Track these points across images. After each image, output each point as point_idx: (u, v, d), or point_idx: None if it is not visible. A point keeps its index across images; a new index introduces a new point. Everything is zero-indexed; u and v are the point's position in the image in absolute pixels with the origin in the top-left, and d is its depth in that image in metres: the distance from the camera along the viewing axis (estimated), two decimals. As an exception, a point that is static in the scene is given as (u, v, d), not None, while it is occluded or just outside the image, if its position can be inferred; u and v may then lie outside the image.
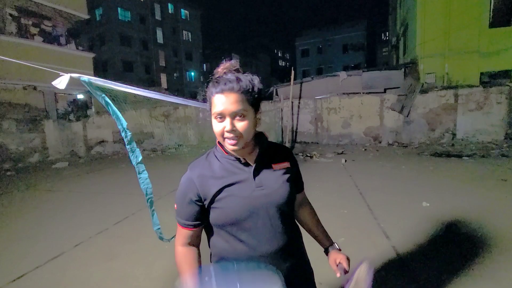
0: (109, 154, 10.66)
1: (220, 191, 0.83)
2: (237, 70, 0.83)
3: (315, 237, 1.06)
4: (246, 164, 0.87)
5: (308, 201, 1.10)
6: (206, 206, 0.85)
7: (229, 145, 0.80)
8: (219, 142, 0.89)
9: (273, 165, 0.90)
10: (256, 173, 0.87)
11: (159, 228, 1.37)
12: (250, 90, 0.79)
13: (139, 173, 1.20)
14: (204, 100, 0.86)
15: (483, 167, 5.62)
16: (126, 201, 4.38)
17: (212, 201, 0.84)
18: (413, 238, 2.73)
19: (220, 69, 0.83)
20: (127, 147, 1.19)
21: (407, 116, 9.44)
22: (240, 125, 0.78)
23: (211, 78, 0.83)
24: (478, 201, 3.67)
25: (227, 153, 0.88)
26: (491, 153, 7.05)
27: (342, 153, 8.34)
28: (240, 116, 0.78)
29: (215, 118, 0.80)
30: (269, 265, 0.82)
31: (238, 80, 0.78)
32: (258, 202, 0.84)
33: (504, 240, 2.60)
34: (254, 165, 0.87)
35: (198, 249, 0.92)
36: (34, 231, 3.41)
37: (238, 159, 0.87)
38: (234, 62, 0.84)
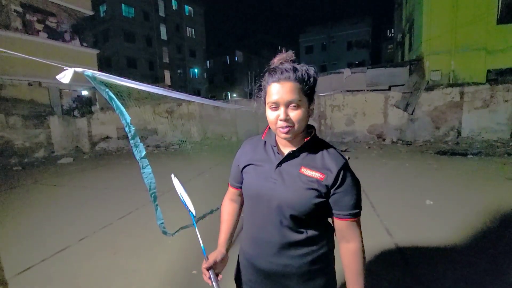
0: (113, 150, 10.74)
1: (247, 165, 0.94)
2: (292, 61, 0.83)
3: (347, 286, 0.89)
4: (280, 153, 0.89)
5: (354, 239, 0.85)
6: (241, 173, 0.98)
7: (281, 133, 0.81)
8: (269, 127, 0.92)
9: (302, 167, 0.84)
10: (280, 165, 0.87)
11: (162, 223, 1.38)
12: (306, 79, 0.80)
13: (142, 168, 1.20)
14: (260, 90, 0.88)
15: (488, 165, 5.56)
16: (130, 197, 4.42)
17: (242, 171, 0.97)
18: (416, 236, 2.72)
19: (276, 60, 0.84)
20: (131, 142, 1.20)
21: (412, 114, 9.36)
22: (294, 114, 0.79)
23: (268, 68, 0.85)
24: (483, 200, 3.64)
25: (264, 137, 0.96)
26: (497, 151, 6.97)
27: (345, 150, 8.31)
28: (295, 106, 0.79)
29: (270, 107, 0.81)
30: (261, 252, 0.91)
31: (295, 69, 0.79)
32: (264, 192, 0.87)
33: (509, 239, 2.58)
34: (283, 157, 0.88)
35: (240, 208, 1.09)
36: (40, 225, 3.47)
37: (274, 147, 0.91)
38: (290, 53, 0.84)
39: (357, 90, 10.68)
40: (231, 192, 1.07)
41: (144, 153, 1.20)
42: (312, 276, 0.89)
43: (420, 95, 9.26)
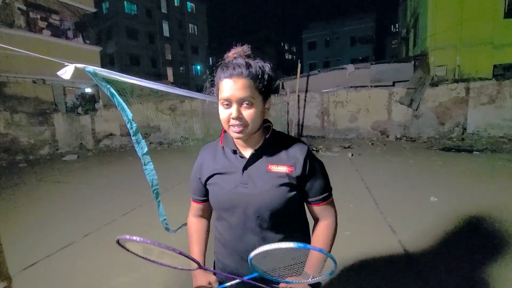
0: (116, 147, 10.81)
1: (211, 176, 0.87)
2: (248, 56, 0.79)
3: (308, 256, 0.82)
4: (242, 157, 0.85)
5: (328, 217, 0.88)
6: (204, 185, 0.91)
7: (233, 132, 0.77)
8: (224, 131, 0.88)
9: (269, 165, 0.81)
10: (246, 168, 0.83)
11: (165, 219, 1.38)
12: (260, 76, 0.76)
13: (144, 164, 1.20)
14: (212, 86, 0.83)
15: (494, 162, 5.49)
16: (133, 193, 4.45)
17: (205, 183, 0.89)
18: (420, 233, 2.70)
19: (231, 54, 0.80)
20: (133, 138, 1.20)
21: (416, 110, 9.26)
22: (247, 113, 0.75)
23: (221, 62, 0.80)
24: (488, 196, 3.60)
25: (222, 143, 0.88)
26: (503, 147, 6.88)
27: (348, 147, 8.26)
28: (248, 103, 0.74)
29: (222, 104, 0.77)
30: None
31: (248, 65, 0.75)
32: (237, 199, 0.82)
33: (514, 236, 2.55)
34: (247, 160, 0.83)
35: (208, 222, 1.01)
36: (45, 221, 3.50)
37: (235, 151, 0.85)
38: (246, 48, 0.80)
39: (361, 86, 10.58)
40: (195, 208, 0.98)
41: (146, 149, 1.20)
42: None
43: (425, 91, 9.15)
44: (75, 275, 2.29)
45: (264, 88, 0.78)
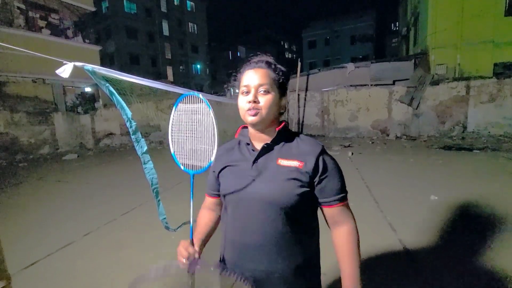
0: (116, 147, 10.80)
1: (223, 168, 0.91)
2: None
3: (340, 271, 0.84)
4: (254, 150, 0.87)
5: (347, 221, 0.84)
6: (217, 178, 0.94)
7: (249, 116, 0.81)
8: (243, 127, 0.94)
9: (279, 159, 0.82)
10: (256, 161, 0.84)
11: (164, 218, 1.37)
12: (278, 71, 0.84)
13: (144, 163, 1.19)
14: (235, 81, 0.91)
15: (494, 160, 5.49)
16: (133, 193, 4.45)
17: (218, 175, 0.93)
18: (421, 231, 2.69)
19: (255, 58, 0.89)
20: (132, 137, 1.18)
21: (416, 109, 9.25)
22: (263, 98, 0.81)
23: (246, 61, 0.89)
24: (488, 195, 3.59)
25: (237, 136, 0.94)
26: (503, 146, 6.87)
27: (349, 146, 8.26)
28: (265, 90, 0.80)
29: (242, 93, 0.83)
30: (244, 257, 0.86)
31: (268, 61, 0.85)
32: (244, 191, 0.83)
33: (515, 234, 2.54)
34: (258, 152, 0.85)
35: (218, 217, 1.01)
36: (45, 221, 3.50)
37: (248, 144, 0.89)
38: (267, 55, 0.90)
39: (361, 85, 10.57)
40: (208, 202, 1.01)
41: (145, 148, 1.19)
42: (297, 281, 0.85)
43: (425, 90, 9.14)
44: (75, 275, 2.29)
45: (281, 81, 0.85)
